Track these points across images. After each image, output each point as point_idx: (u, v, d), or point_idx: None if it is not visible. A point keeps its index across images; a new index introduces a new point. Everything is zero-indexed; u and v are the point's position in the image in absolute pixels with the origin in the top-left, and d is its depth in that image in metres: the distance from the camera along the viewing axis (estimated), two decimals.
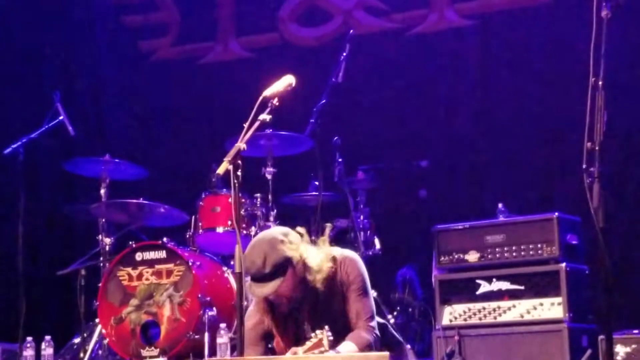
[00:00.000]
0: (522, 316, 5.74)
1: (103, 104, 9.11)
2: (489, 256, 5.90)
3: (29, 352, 5.99)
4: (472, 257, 5.94)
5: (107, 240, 6.83)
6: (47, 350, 5.97)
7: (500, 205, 6.14)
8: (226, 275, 6.46)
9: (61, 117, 7.18)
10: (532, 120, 7.68)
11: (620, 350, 5.21)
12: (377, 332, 4.49)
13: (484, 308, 5.85)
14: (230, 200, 6.29)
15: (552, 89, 7.58)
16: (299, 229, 4.54)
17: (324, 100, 6.65)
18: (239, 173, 4.16)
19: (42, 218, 8.60)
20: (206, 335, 5.94)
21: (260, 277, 4.32)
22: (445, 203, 7.66)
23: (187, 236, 6.78)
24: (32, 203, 7.37)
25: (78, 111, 8.07)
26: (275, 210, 6.69)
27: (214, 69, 8.91)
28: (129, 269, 6.35)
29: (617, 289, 4.24)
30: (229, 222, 6.61)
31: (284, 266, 4.33)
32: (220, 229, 6.69)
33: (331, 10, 8.61)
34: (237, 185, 4.15)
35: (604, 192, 4.05)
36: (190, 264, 6.19)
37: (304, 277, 4.38)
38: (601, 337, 5.19)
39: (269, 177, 6.74)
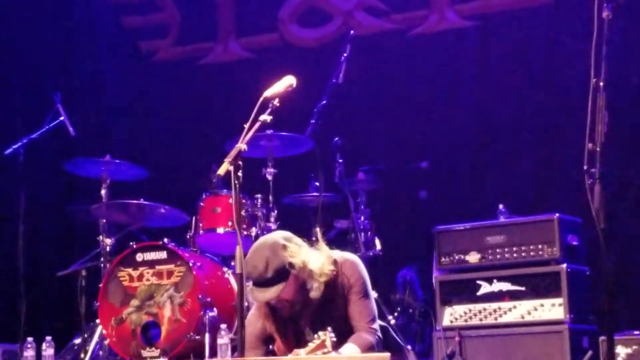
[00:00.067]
0: (522, 317, 5.73)
1: (103, 104, 9.11)
2: (490, 257, 5.88)
3: (29, 353, 5.96)
4: (473, 258, 5.93)
5: (108, 241, 6.83)
6: (48, 350, 5.94)
7: (500, 206, 6.13)
8: (227, 276, 6.45)
9: (62, 118, 7.19)
10: (532, 120, 7.68)
11: (621, 351, 5.19)
12: (380, 334, 4.49)
13: (485, 309, 5.84)
14: (230, 201, 6.27)
15: (552, 90, 7.58)
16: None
17: (324, 101, 6.65)
18: (239, 174, 4.17)
19: (42, 218, 8.58)
20: (207, 336, 5.93)
21: (262, 282, 4.32)
22: (446, 204, 7.65)
23: (188, 237, 6.77)
24: (32, 203, 7.36)
25: (78, 111, 8.06)
26: (275, 211, 6.68)
27: (214, 69, 8.89)
28: (130, 270, 6.34)
29: (618, 290, 4.24)
30: (230, 223, 6.59)
31: (285, 271, 4.33)
32: (220, 230, 6.67)
33: (331, 10, 8.60)
34: (237, 186, 4.16)
35: (605, 193, 4.05)
36: (191, 264, 6.18)
37: (306, 281, 4.38)
38: (602, 338, 5.18)
39: (269, 177, 6.72)
